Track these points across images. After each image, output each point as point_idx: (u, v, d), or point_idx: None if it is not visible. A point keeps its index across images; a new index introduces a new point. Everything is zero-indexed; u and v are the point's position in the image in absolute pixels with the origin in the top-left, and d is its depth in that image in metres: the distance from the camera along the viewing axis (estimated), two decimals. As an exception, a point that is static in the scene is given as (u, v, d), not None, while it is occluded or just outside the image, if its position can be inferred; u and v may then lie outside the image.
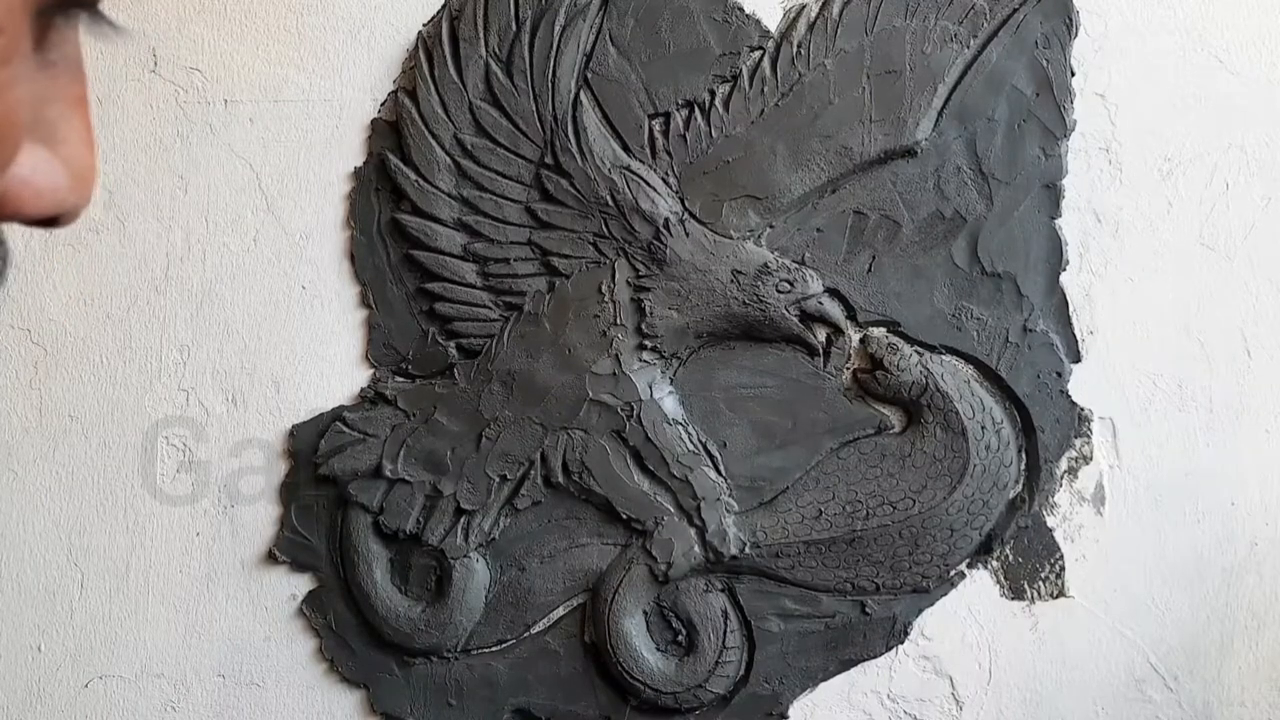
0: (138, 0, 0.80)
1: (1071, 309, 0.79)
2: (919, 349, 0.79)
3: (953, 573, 0.79)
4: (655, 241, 0.78)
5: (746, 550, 0.78)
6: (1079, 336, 0.79)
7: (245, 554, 0.80)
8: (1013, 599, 0.80)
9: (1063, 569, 0.79)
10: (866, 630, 0.79)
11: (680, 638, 0.80)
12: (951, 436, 0.78)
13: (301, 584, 0.80)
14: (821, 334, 0.79)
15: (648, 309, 0.78)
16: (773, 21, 0.79)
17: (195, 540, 0.80)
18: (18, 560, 0.81)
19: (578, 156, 0.78)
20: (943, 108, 0.78)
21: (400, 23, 0.80)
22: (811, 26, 0.78)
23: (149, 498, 0.80)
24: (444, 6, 0.79)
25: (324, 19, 0.80)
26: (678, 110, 0.78)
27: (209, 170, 0.80)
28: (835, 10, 0.78)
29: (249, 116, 0.80)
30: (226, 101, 0.80)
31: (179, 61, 0.80)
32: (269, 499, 0.80)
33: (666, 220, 0.78)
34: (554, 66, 0.78)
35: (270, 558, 0.79)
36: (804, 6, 0.79)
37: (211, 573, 0.80)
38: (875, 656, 0.79)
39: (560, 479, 0.78)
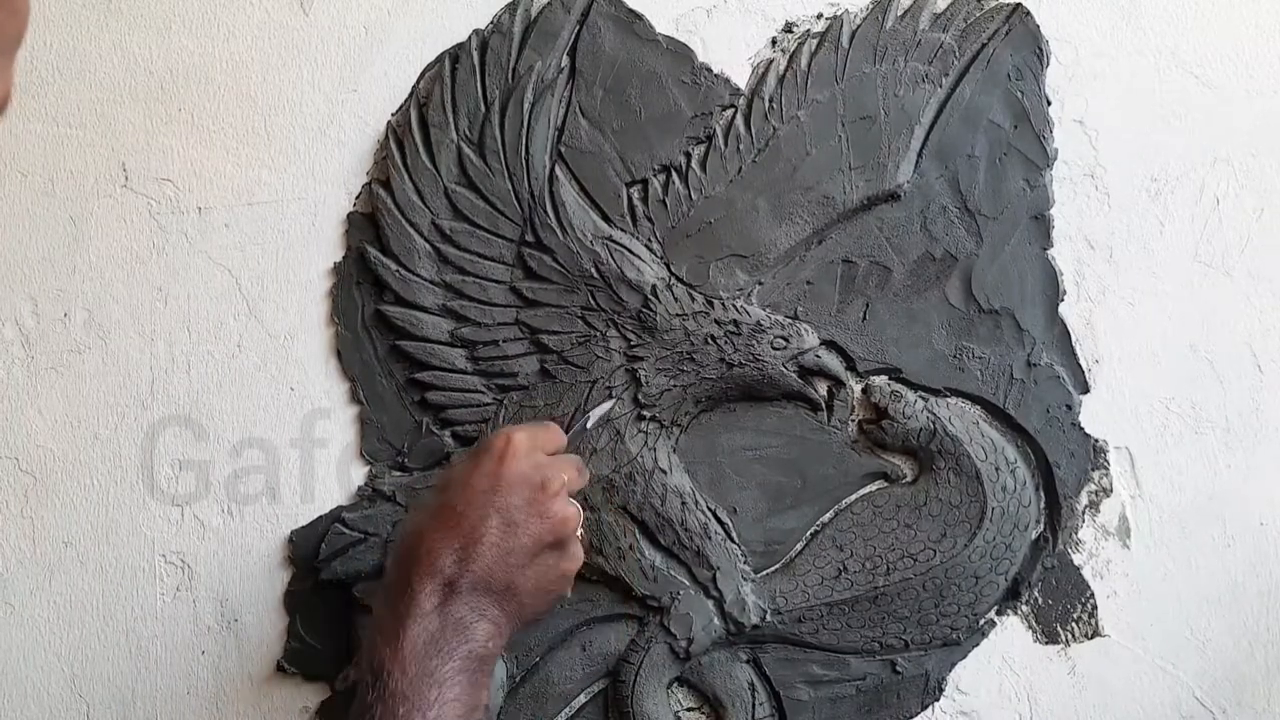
0: (104, 116, 0.79)
1: (1074, 339, 0.78)
2: (923, 394, 0.77)
3: (982, 622, 0.77)
4: (644, 309, 0.76)
5: (768, 618, 0.76)
6: (1085, 366, 0.78)
7: (253, 669, 0.77)
8: (1047, 643, 0.77)
9: (1095, 607, 0.77)
10: (900, 690, 0.77)
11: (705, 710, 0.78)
12: (965, 481, 0.76)
13: (313, 695, 0.77)
14: (822, 388, 0.78)
15: (643, 378, 0.76)
16: (742, 79, 0.78)
17: (201, 659, 0.77)
18: (20, 695, 0.78)
19: (558, 231, 0.77)
20: (921, 149, 0.77)
21: (368, 114, 0.79)
22: (781, 80, 0.78)
23: (150, 620, 0.78)
24: (411, 94, 0.79)
25: (292, 117, 0.79)
26: (655, 176, 0.78)
27: (188, 280, 0.79)
28: (804, 62, 0.78)
29: (224, 222, 0.79)
30: (200, 209, 0.79)
31: (150, 173, 0.79)
32: (273, 610, 0.77)
33: (654, 287, 0.76)
34: (526, 144, 0.77)
35: (279, 670, 0.77)
36: (772, 61, 0.78)
37: (220, 692, 0.77)
38: (911, 717, 0.77)
39: (569, 561, 0.76)
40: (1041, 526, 0.77)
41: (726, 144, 0.77)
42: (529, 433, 0.63)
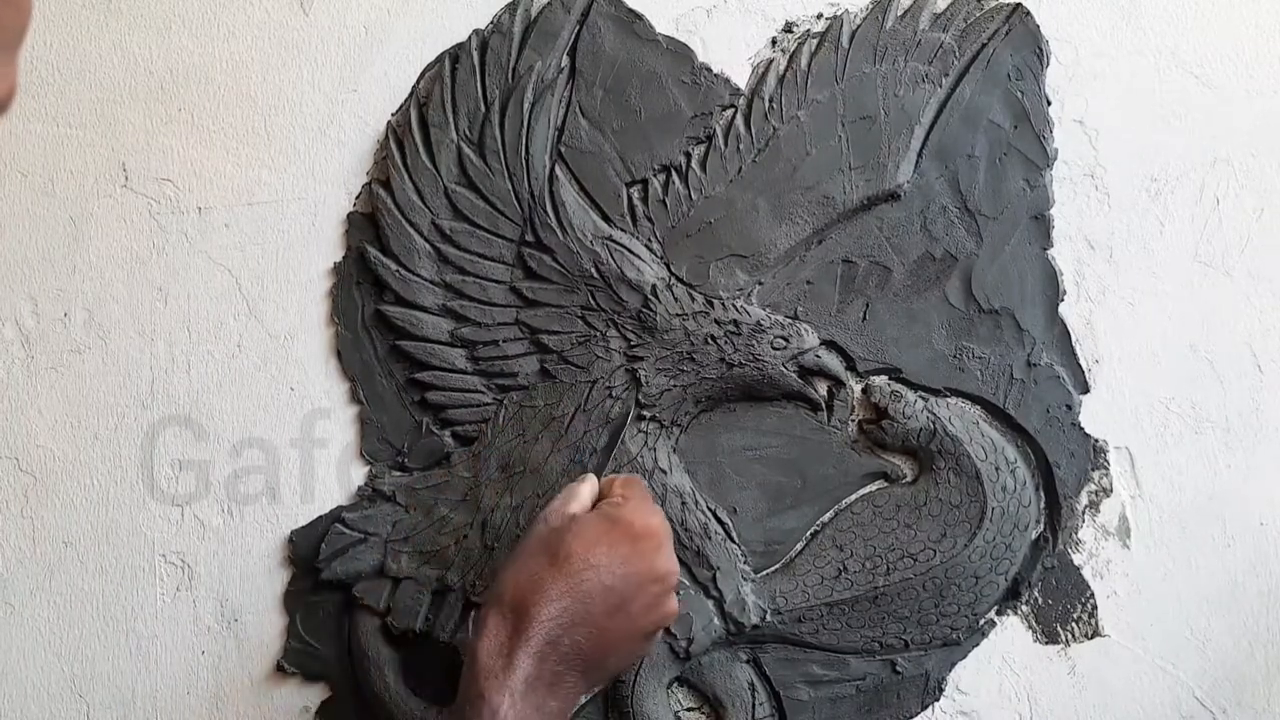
0: (104, 116, 0.79)
1: (1074, 339, 0.78)
2: (923, 394, 0.77)
3: (982, 622, 0.77)
4: (644, 309, 0.76)
5: (768, 618, 0.76)
6: (1085, 366, 0.78)
7: (253, 669, 0.77)
8: (1047, 643, 0.77)
9: (1095, 607, 0.77)
10: (900, 690, 0.77)
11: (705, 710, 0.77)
12: (965, 481, 0.76)
13: (314, 695, 0.77)
14: (822, 388, 0.78)
15: (643, 379, 0.76)
16: (742, 79, 0.78)
17: (201, 659, 0.78)
18: (20, 695, 0.78)
19: (558, 231, 0.77)
20: (921, 149, 0.77)
21: (368, 114, 0.79)
22: (781, 80, 0.78)
23: (150, 620, 0.78)
24: (411, 94, 0.79)
25: (292, 117, 0.79)
26: (655, 176, 0.78)
27: (188, 280, 0.79)
28: (804, 62, 0.78)
29: (224, 222, 0.79)
30: (200, 209, 0.79)
31: (150, 173, 0.79)
32: (273, 610, 0.77)
33: (654, 287, 0.76)
34: (526, 144, 0.77)
35: (279, 670, 0.77)
36: (772, 61, 0.78)
37: (220, 692, 0.77)
38: (911, 717, 0.77)
39: (569, 561, 0.76)
40: (1041, 526, 0.77)
41: (726, 144, 0.77)
42: (663, 521, 0.65)
